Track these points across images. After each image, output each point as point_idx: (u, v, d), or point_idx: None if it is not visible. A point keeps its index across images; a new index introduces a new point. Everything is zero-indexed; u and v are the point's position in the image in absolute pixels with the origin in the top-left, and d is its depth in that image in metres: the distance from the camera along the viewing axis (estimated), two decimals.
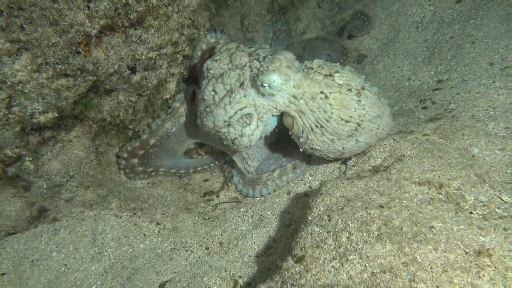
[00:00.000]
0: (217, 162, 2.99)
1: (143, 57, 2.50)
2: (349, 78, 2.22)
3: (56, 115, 2.30)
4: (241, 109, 2.31)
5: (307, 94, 2.21)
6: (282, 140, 2.87)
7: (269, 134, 2.53)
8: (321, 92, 2.19)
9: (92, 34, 2.27)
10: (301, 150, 2.50)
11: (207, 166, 2.94)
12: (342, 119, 2.19)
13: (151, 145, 2.78)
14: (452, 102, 2.77)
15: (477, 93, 2.72)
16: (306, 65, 2.33)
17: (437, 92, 2.97)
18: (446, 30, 3.52)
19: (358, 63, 3.99)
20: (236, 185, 2.82)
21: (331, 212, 1.93)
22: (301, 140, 2.36)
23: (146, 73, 2.58)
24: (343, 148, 2.33)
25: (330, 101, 2.18)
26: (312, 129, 2.27)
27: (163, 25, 2.53)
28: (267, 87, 2.21)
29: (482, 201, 1.93)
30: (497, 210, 1.87)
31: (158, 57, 2.58)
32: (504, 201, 1.94)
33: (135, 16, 2.39)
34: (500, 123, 2.44)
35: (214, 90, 2.34)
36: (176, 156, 2.91)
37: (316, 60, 2.35)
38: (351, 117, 2.20)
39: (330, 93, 2.18)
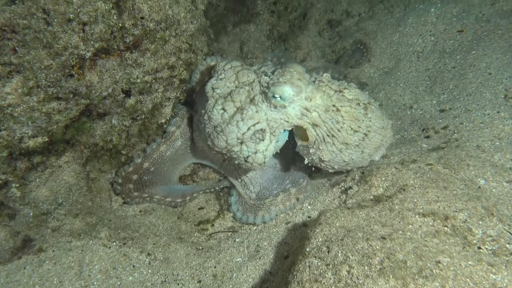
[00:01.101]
0: (215, 187, 2.89)
1: (139, 80, 2.45)
2: (357, 94, 2.37)
3: (46, 139, 2.22)
4: (254, 125, 2.29)
5: (320, 106, 2.29)
6: (285, 161, 2.79)
7: (274, 154, 2.46)
8: (333, 105, 2.30)
9: (86, 57, 2.22)
10: (305, 163, 2.51)
11: (202, 191, 2.84)
12: (352, 128, 2.31)
13: (144, 169, 2.69)
14: (456, 131, 2.69)
15: (481, 123, 2.65)
16: (316, 78, 2.39)
17: (440, 121, 2.90)
18: (448, 60, 3.49)
19: None
20: (235, 213, 2.70)
21: (331, 243, 1.82)
22: (311, 151, 2.40)
23: (141, 97, 2.52)
24: (350, 158, 2.40)
25: (341, 113, 2.30)
26: (324, 139, 2.34)
27: (160, 48, 2.50)
28: (279, 99, 2.23)
29: (491, 236, 1.82)
30: (507, 245, 1.76)
31: (154, 80, 2.53)
32: None
33: (131, 39, 2.36)
34: (506, 154, 2.35)
35: (223, 109, 2.32)
36: (171, 182, 2.81)
37: (325, 74, 2.42)
38: (359, 127, 2.32)
39: (341, 106, 2.30)
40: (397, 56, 3.94)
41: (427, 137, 2.83)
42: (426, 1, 4.32)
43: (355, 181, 2.52)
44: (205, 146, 2.58)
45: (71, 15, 2.13)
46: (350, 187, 2.49)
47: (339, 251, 1.75)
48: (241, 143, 2.31)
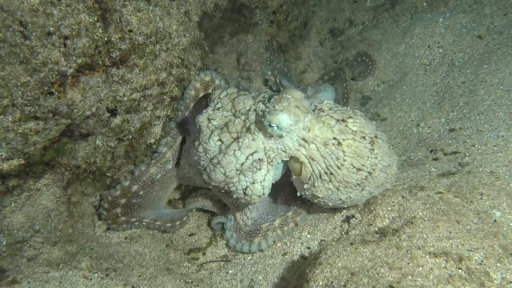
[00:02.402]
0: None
1: (125, 98, 2.27)
2: (362, 124, 2.13)
3: (23, 162, 2.04)
4: (252, 154, 2.14)
5: (318, 138, 2.10)
6: (281, 189, 2.63)
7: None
8: (334, 138, 2.09)
9: (68, 73, 2.04)
10: (298, 195, 2.31)
11: (192, 211, 2.66)
12: (354, 167, 2.08)
13: (133, 192, 2.51)
14: (467, 155, 2.50)
15: (495, 146, 2.46)
16: (316, 106, 2.22)
17: (450, 142, 2.70)
18: (457, 74, 3.30)
19: (361, 106, 3.76)
20: (228, 240, 2.50)
21: None
22: (305, 186, 2.20)
23: (128, 115, 2.33)
24: (348, 197, 2.17)
25: (343, 148, 2.08)
26: (320, 176, 2.13)
27: (149, 64, 2.32)
28: (276, 128, 2.06)
29: (511, 282, 1.63)
30: None
31: (142, 98, 2.35)
32: None
33: (118, 54, 2.18)
34: None
35: (220, 140, 2.19)
36: (160, 205, 2.62)
37: (326, 101, 2.24)
38: (363, 165, 2.08)
39: (343, 139, 2.08)
40: (403, 68, 3.76)
41: (436, 159, 2.64)
42: (434, 10, 4.14)
43: (358, 209, 2.34)
44: (197, 179, 2.41)
45: (51, 28, 1.96)
46: (353, 216, 2.30)
47: None
48: (239, 174, 2.15)
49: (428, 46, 3.71)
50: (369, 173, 2.09)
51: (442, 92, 3.28)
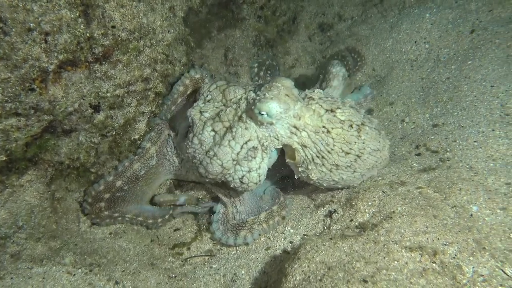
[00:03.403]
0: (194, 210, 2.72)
1: (109, 94, 2.27)
2: (350, 114, 2.25)
3: (4, 158, 2.05)
4: (246, 143, 2.22)
5: (309, 126, 2.20)
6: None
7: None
8: (323, 127, 2.20)
9: (50, 69, 2.04)
10: (296, 177, 2.42)
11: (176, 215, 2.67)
12: (343, 151, 2.22)
13: (117, 187, 2.52)
14: (449, 150, 2.54)
15: (475, 141, 2.49)
16: (306, 94, 2.29)
17: (432, 137, 2.74)
18: (442, 70, 3.33)
19: None
20: (214, 232, 2.52)
21: (308, 285, 1.66)
22: (300, 169, 2.32)
23: (111, 112, 2.34)
24: (340, 178, 2.31)
25: (332, 135, 2.20)
26: (313, 160, 2.25)
27: (133, 60, 2.32)
28: (266, 116, 2.13)
29: (482, 275, 1.67)
30: (499, 287, 1.61)
31: (126, 94, 2.35)
32: (508, 275, 1.68)
33: (100, 50, 2.18)
34: (501, 177, 2.20)
35: (213, 130, 2.26)
36: (143, 200, 2.63)
37: (316, 90, 2.31)
38: (351, 149, 2.23)
39: (332, 128, 2.20)
40: (389, 64, 3.78)
41: (418, 154, 2.68)
42: (422, 5, 4.14)
43: (341, 203, 2.37)
44: (191, 175, 2.44)
45: (31, 24, 1.95)
46: (335, 210, 2.34)
47: None
48: (236, 164, 2.22)
49: (415, 42, 3.73)
50: (358, 156, 2.24)
51: (428, 87, 3.31)
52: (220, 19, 3.32)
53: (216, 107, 2.32)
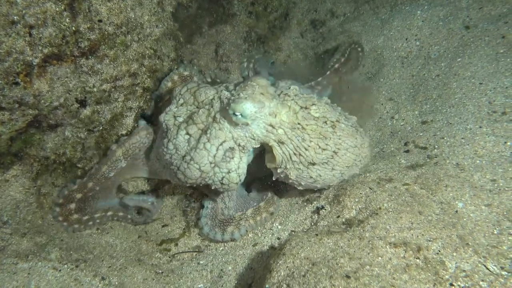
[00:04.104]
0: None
1: (95, 89, 2.26)
2: (325, 111, 2.25)
3: None
4: (221, 144, 2.17)
5: (285, 123, 2.18)
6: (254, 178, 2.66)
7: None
8: (298, 123, 2.19)
9: (34, 63, 2.03)
10: (273, 179, 2.39)
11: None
12: (320, 147, 2.21)
13: (89, 188, 2.45)
14: (436, 147, 2.54)
15: (462, 138, 2.50)
16: (282, 91, 2.27)
17: (421, 134, 2.74)
18: (433, 67, 3.33)
19: None
20: (202, 227, 2.51)
21: (292, 280, 1.66)
22: (279, 170, 2.29)
23: (98, 106, 2.33)
24: (318, 175, 2.27)
25: (307, 131, 2.20)
26: (290, 158, 2.22)
27: (120, 54, 2.31)
28: (240, 116, 2.09)
29: (464, 270, 1.68)
30: (481, 283, 1.62)
31: (113, 89, 2.34)
32: (490, 271, 1.69)
33: (87, 44, 2.17)
34: (486, 174, 2.21)
35: (188, 133, 2.20)
36: (112, 194, 2.58)
37: (292, 86, 2.29)
38: (327, 145, 2.22)
39: (306, 125, 2.19)
40: (380, 61, 3.77)
41: (407, 151, 2.68)
42: (414, 2, 4.15)
43: (328, 200, 2.37)
44: (172, 179, 2.39)
45: (15, 17, 1.93)
46: (323, 207, 2.34)
47: None
48: (214, 166, 2.18)
49: (406, 39, 3.73)
50: (335, 152, 2.23)
51: (418, 84, 3.31)
52: (211, 14, 3.31)
53: (189, 111, 2.26)
